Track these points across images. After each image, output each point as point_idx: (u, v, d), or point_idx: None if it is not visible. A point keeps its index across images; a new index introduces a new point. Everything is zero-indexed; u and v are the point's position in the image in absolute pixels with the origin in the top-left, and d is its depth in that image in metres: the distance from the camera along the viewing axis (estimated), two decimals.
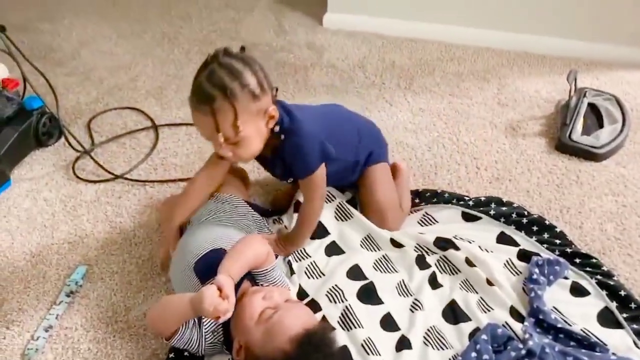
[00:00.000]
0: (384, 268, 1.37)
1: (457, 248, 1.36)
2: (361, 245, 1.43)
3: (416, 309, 1.26)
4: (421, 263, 1.37)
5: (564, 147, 1.73)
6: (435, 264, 1.37)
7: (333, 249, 1.43)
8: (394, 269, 1.37)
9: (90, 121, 1.96)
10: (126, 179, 1.71)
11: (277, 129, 1.28)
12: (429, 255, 1.39)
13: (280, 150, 1.31)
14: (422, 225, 1.49)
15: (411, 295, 1.30)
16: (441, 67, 2.18)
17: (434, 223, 1.48)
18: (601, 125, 1.78)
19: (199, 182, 1.42)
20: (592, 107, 1.85)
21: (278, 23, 2.51)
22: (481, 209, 1.49)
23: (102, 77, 2.20)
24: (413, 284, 1.33)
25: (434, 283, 1.33)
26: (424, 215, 1.50)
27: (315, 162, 1.31)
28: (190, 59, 2.28)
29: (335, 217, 1.48)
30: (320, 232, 1.44)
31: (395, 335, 1.22)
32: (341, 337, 1.19)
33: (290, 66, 2.21)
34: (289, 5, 2.63)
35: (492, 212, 1.48)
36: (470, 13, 2.27)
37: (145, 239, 1.52)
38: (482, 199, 1.53)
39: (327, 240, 1.44)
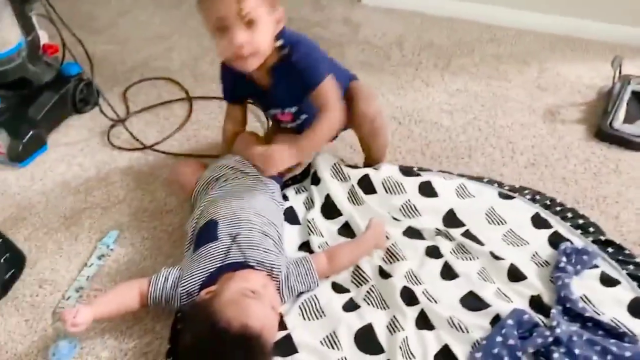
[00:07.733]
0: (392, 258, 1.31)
1: (481, 244, 1.32)
2: None
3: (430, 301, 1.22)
4: (433, 253, 1.32)
5: (604, 135, 1.68)
6: (451, 252, 1.31)
7: (344, 232, 1.39)
8: (403, 257, 1.30)
9: (125, 90, 1.98)
10: (156, 150, 1.72)
11: (280, 42, 1.30)
12: (449, 240, 1.34)
13: (285, 66, 1.32)
14: (457, 196, 1.45)
15: (421, 284, 1.25)
16: (480, 48, 2.13)
17: (469, 196, 1.45)
18: None
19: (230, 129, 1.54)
20: (636, 95, 1.78)
21: None
22: (517, 194, 1.47)
23: (139, 47, 2.21)
24: (423, 272, 1.28)
25: (448, 274, 1.27)
26: (460, 185, 1.47)
27: (325, 69, 1.33)
28: None
29: (348, 200, 1.44)
30: (333, 212, 1.42)
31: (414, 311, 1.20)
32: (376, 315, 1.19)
33: (326, 42, 2.19)
34: None
35: (527, 197, 1.45)
36: None
37: (176, 207, 1.54)
38: (516, 186, 1.51)
39: (339, 222, 1.41)
